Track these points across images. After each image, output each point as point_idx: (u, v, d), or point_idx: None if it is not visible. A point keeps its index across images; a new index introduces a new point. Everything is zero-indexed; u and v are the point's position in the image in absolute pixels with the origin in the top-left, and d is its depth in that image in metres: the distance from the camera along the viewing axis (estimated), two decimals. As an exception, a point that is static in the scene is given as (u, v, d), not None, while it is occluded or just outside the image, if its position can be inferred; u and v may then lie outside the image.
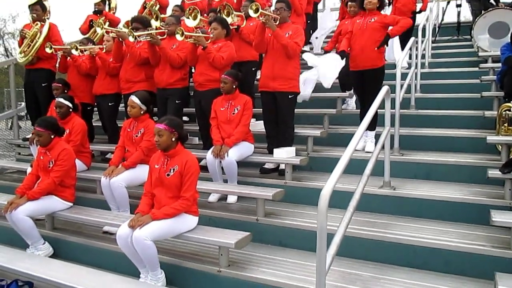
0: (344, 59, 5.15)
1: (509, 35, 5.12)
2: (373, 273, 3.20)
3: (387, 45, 4.87)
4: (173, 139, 3.32)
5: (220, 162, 4.35)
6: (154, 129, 3.37)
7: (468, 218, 3.56)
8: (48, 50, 5.47)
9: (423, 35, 6.65)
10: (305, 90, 5.43)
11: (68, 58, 5.65)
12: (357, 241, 3.43)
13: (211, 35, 4.96)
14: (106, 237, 4.06)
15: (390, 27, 4.83)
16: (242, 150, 4.52)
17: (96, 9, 6.61)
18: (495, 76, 5.35)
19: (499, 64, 5.25)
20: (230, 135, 4.47)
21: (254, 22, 5.32)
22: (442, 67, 6.78)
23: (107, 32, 5.50)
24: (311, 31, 8.49)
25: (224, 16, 5.16)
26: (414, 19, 7.19)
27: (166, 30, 5.23)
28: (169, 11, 7.20)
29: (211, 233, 3.37)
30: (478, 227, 3.43)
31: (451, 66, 6.73)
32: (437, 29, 8.25)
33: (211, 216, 4.09)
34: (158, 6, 7.12)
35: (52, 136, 4.07)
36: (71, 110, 4.83)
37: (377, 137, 4.36)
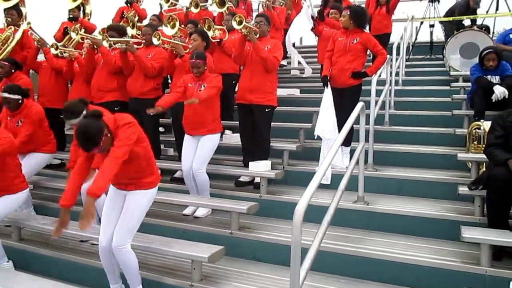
0: None
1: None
2: (346, 288, 3.21)
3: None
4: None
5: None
6: None
7: (439, 234, 3.62)
8: (25, 25, 5.38)
9: (397, 53, 6.80)
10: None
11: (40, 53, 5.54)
12: (331, 255, 3.43)
13: (190, 46, 4.96)
14: (76, 249, 3.95)
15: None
16: (210, 147, 4.40)
17: (71, 16, 6.51)
18: (466, 95, 5.51)
19: (470, 84, 5.42)
20: (192, 115, 4.34)
21: (236, 35, 5.34)
22: (415, 85, 6.93)
23: (82, 39, 5.42)
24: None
25: (205, 29, 5.18)
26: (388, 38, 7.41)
27: (143, 40, 5.20)
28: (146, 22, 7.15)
29: (184, 246, 3.33)
30: (448, 243, 3.49)
31: (424, 84, 6.90)
32: (411, 47, 8.46)
33: (185, 229, 4.04)
34: (136, 18, 7.08)
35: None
36: (20, 101, 4.46)
37: (352, 152, 4.41)
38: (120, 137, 2.85)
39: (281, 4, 7.04)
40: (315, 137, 4.86)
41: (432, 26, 8.27)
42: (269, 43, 4.73)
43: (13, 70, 5.07)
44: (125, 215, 3.03)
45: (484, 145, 3.71)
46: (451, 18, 7.80)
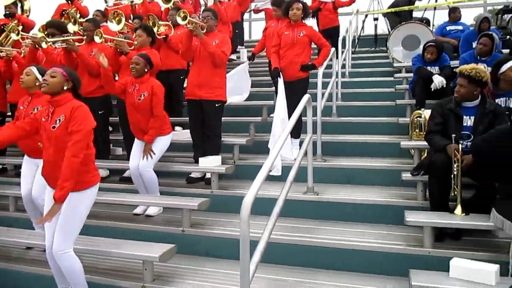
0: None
1: (421, 47, 5.52)
2: (299, 278, 3.25)
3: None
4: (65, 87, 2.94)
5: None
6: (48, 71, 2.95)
7: (386, 219, 3.76)
8: None
9: (343, 46, 6.97)
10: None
11: None
12: (282, 247, 3.47)
13: (135, 42, 4.84)
14: (21, 258, 3.77)
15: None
16: (159, 148, 4.31)
17: (8, 12, 6.16)
18: (408, 85, 5.73)
19: (412, 74, 5.64)
20: (136, 121, 4.28)
21: (182, 30, 5.26)
22: (361, 76, 7.13)
23: (23, 38, 5.16)
24: (237, 40, 8.59)
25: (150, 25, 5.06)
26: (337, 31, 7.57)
27: (84, 37, 5.02)
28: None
29: (134, 247, 3.26)
30: (395, 227, 3.62)
31: (369, 76, 7.11)
32: (356, 40, 8.68)
33: (136, 229, 3.95)
34: (78, 15, 6.80)
35: None
36: None
37: (301, 144, 4.48)
38: (75, 128, 2.78)
39: (227, -1, 7.01)
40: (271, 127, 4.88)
41: (376, 19, 8.52)
42: (217, 38, 4.70)
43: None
44: (62, 219, 2.87)
45: (425, 133, 3.87)
46: (392, 9, 8.07)
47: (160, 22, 5.13)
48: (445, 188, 3.31)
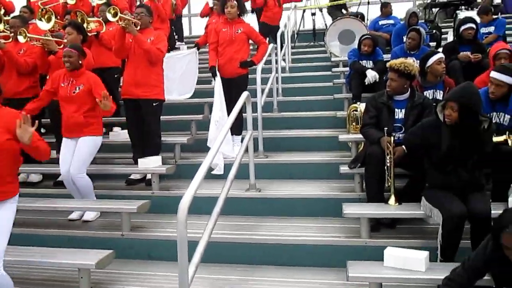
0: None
1: (356, 41, 5.68)
2: (242, 276, 3.27)
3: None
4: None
5: None
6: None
7: (326, 212, 3.83)
8: None
9: (282, 42, 7.03)
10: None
11: None
12: (224, 246, 3.46)
13: (65, 40, 4.61)
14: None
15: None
16: (90, 149, 4.09)
17: None
18: (345, 80, 5.88)
19: (348, 68, 5.79)
20: (70, 116, 4.04)
21: (114, 27, 5.08)
22: (301, 71, 7.24)
23: None
24: (176, 36, 8.45)
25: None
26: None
27: (11, 34, 4.72)
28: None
29: (69, 255, 3.11)
30: (334, 220, 3.71)
31: (309, 71, 7.23)
32: (295, 35, 8.79)
33: (72, 236, 3.78)
34: (3, 11, 6.38)
35: None
36: None
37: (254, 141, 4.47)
38: None
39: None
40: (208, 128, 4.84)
41: (313, 14, 8.67)
42: (152, 35, 4.57)
43: None
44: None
45: (360, 126, 3.98)
46: (328, 4, 8.25)
47: (89, 19, 4.91)
48: (380, 179, 3.43)
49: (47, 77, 4.96)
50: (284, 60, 7.22)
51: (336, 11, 8.56)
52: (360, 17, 7.96)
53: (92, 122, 4.06)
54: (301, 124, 5.47)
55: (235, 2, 4.95)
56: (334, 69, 6.80)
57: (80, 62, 4.04)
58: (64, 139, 4.14)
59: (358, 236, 3.33)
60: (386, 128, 3.41)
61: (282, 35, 7.02)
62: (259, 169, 4.29)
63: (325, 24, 8.41)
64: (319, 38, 8.54)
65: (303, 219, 3.82)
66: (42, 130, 5.67)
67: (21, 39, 4.32)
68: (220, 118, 4.70)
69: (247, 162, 4.13)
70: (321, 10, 8.66)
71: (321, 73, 6.97)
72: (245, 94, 4.00)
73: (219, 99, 4.87)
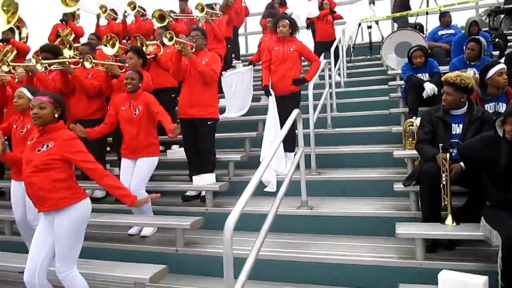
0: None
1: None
2: (291, 295, 3.24)
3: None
4: (56, 115, 2.98)
5: None
6: (34, 101, 2.98)
7: (379, 231, 3.72)
8: None
9: (336, 57, 6.99)
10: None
11: None
12: (275, 263, 3.46)
13: (127, 65, 4.90)
14: (18, 281, 3.79)
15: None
16: (148, 169, 4.30)
17: (3, 38, 6.28)
18: (401, 93, 5.72)
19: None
20: (134, 137, 4.24)
21: (171, 49, 5.32)
22: (356, 86, 7.13)
23: (14, 68, 5.24)
24: (232, 55, 8.65)
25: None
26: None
27: (80, 60, 5.09)
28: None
29: (125, 268, 3.26)
30: (387, 240, 3.59)
31: (365, 85, 7.11)
32: (351, 49, 8.70)
33: (130, 250, 3.96)
34: (73, 35, 6.92)
35: None
36: None
37: (306, 157, 4.46)
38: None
39: (219, 15, 7.07)
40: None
41: (369, 27, 8.54)
42: (207, 56, 4.74)
43: None
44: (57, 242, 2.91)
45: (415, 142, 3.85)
46: (384, 17, 8.10)
47: (148, 42, 5.19)
48: (436, 198, 3.28)
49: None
50: (339, 74, 7.16)
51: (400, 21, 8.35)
52: (419, 28, 7.74)
53: (152, 143, 4.28)
54: (355, 140, 5.38)
55: (287, 21, 5.03)
56: (390, 83, 6.63)
57: (140, 84, 4.26)
58: (123, 159, 4.37)
59: (412, 258, 3.19)
60: (441, 145, 3.28)
61: (337, 49, 6.97)
62: (311, 186, 4.27)
63: (382, 37, 8.25)
64: (376, 51, 8.40)
65: (355, 238, 3.73)
66: (108, 148, 6.04)
67: (87, 64, 4.66)
68: (274, 138, 4.73)
69: (299, 179, 4.12)
70: (377, 22, 8.51)
71: (377, 87, 6.84)
72: (295, 111, 4.01)
73: (272, 118, 4.92)
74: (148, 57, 5.21)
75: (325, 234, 3.87)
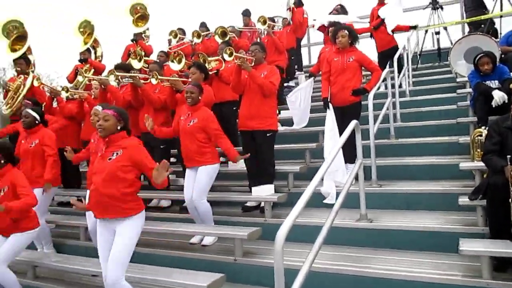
0: None
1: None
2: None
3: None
4: (119, 127, 3.24)
5: None
6: (100, 114, 3.27)
7: (442, 247, 3.55)
8: (35, 83, 5.68)
9: (401, 65, 6.79)
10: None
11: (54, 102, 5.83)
12: (330, 276, 3.42)
13: (190, 79, 5.12)
14: (88, 284, 4.08)
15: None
16: (208, 177, 4.41)
17: (82, 58, 6.83)
18: (469, 102, 5.42)
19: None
20: (185, 147, 4.43)
21: (232, 63, 5.48)
22: (424, 94, 6.86)
23: (89, 80, 5.68)
24: (296, 66, 8.70)
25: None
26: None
27: (150, 76, 5.40)
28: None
29: (183, 275, 3.39)
30: (451, 256, 3.41)
31: (433, 93, 6.82)
32: (418, 56, 8.39)
33: (190, 258, 4.10)
34: (143, 53, 7.33)
35: (2, 161, 3.91)
36: (37, 121, 4.83)
37: (367, 169, 4.39)
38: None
39: (280, 28, 7.17)
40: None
41: (437, 33, 8.19)
42: (266, 70, 4.83)
43: (36, 122, 4.88)
44: (115, 249, 3.11)
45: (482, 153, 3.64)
46: (454, 22, 7.72)
47: (210, 58, 5.39)
48: (504, 212, 3.07)
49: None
50: (401, 83, 6.94)
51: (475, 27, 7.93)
52: (492, 32, 7.29)
53: (206, 152, 4.39)
54: (420, 151, 5.17)
55: (346, 31, 5.00)
56: (459, 91, 6.31)
57: (200, 98, 4.43)
58: (186, 169, 4.55)
59: (478, 276, 3.01)
60: (509, 156, 3.07)
61: (401, 57, 6.78)
62: (371, 198, 4.18)
63: (451, 42, 7.87)
64: (444, 57, 8.03)
65: (417, 253, 3.58)
66: (173, 160, 6.32)
67: (153, 81, 4.94)
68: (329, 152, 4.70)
69: (358, 191, 4.05)
70: (445, 28, 8.14)
71: (445, 95, 6.54)
72: (353, 122, 3.96)
73: (330, 131, 4.89)
74: (210, 72, 5.41)
75: (385, 248, 3.76)
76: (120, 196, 3.12)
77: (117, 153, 3.17)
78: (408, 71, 7.22)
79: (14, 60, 6.06)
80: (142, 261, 3.55)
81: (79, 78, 5.57)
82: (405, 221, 3.92)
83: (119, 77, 5.11)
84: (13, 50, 6.02)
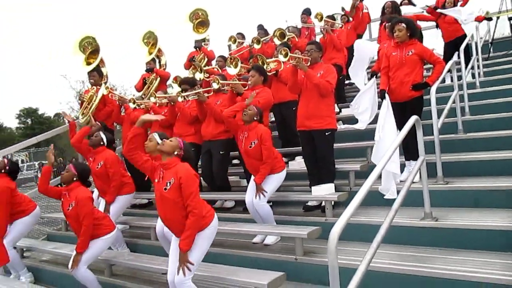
0: None
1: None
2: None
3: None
4: (176, 152, 3.41)
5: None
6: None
7: (515, 247, 3.34)
8: (104, 91, 6.15)
9: (470, 54, 6.44)
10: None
11: (122, 110, 6.24)
12: (390, 276, 3.35)
13: (249, 82, 5.24)
14: (158, 281, 4.32)
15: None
16: (272, 186, 4.53)
17: (148, 68, 7.21)
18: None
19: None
20: (250, 165, 4.58)
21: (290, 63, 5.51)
22: (495, 85, 6.45)
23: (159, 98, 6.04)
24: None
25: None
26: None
27: (211, 81, 5.61)
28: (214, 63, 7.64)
29: (246, 273, 3.50)
30: (527, 257, 3.20)
31: (505, 84, 6.39)
32: (490, 45, 7.89)
33: (253, 257, 4.20)
34: (206, 60, 7.61)
35: (75, 179, 4.32)
36: (102, 143, 5.16)
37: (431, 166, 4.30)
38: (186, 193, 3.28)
39: (340, 26, 7.08)
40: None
41: (511, 19, 7.66)
42: (322, 69, 4.81)
43: (101, 143, 5.19)
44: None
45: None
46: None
47: (268, 60, 5.46)
48: None
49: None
50: (473, 74, 6.57)
51: None
52: None
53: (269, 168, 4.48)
54: (491, 145, 4.88)
55: (403, 25, 4.83)
56: (536, 80, 5.87)
57: (255, 118, 4.54)
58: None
59: (557, 279, 2.81)
60: None
61: (469, 47, 6.43)
62: (436, 196, 4.04)
63: (526, 28, 7.35)
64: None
65: (487, 253, 3.40)
66: (236, 161, 6.50)
67: (214, 85, 5.12)
68: (380, 139, 4.57)
69: (422, 189, 3.91)
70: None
71: (520, 84, 6.11)
72: (413, 118, 3.83)
73: (382, 121, 4.74)
74: (269, 73, 5.49)
75: (452, 248, 3.60)
76: (183, 219, 3.32)
77: (170, 183, 3.32)
78: (478, 61, 6.82)
79: (88, 73, 6.54)
80: (206, 259, 3.68)
81: (151, 99, 5.94)
82: (473, 219, 3.73)
83: (185, 97, 5.38)
84: (88, 63, 6.50)
